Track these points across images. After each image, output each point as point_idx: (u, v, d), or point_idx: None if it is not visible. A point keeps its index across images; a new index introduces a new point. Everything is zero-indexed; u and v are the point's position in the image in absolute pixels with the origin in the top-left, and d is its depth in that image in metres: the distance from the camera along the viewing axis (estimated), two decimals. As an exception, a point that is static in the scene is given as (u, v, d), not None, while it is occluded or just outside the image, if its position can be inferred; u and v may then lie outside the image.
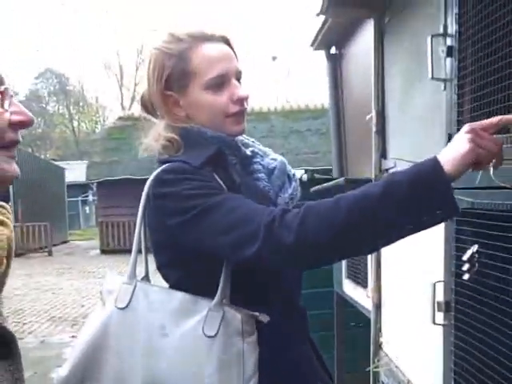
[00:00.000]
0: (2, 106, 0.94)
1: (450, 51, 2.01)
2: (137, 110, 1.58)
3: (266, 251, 1.19)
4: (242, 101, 1.43)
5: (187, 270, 1.39)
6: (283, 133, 16.66)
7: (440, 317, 2.07)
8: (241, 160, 1.48)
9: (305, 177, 4.54)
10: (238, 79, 1.45)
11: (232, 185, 1.37)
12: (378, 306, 2.94)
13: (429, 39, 2.10)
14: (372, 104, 2.86)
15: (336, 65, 7.06)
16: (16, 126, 0.96)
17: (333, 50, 6.91)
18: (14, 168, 0.95)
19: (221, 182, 1.35)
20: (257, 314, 1.33)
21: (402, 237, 1.21)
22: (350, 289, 3.98)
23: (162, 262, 1.45)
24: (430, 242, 2.24)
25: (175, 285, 1.41)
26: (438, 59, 2.10)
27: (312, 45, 6.95)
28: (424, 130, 2.37)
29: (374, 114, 2.83)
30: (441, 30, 2.06)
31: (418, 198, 1.15)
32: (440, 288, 2.07)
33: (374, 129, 2.84)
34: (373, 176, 2.86)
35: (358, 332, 4.10)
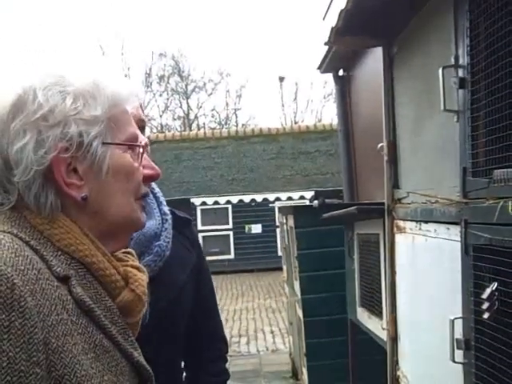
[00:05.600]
0: (140, 161, 0.96)
1: (462, 83, 1.98)
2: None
3: None
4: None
5: None
6: (292, 154, 16.65)
7: (460, 355, 2.01)
8: None
9: (316, 203, 4.51)
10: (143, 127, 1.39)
11: None
12: (394, 339, 2.88)
13: (440, 70, 2.07)
14: (383, 133, 2.82)
15: (345, 87, 7.03)
16: (147, 179, 1.02)
17: (341, 73, 6.90)
18: (144, 217, 1.01)
19: None
20: None
21: None
22: (364, 318, 3.91)
23: None
24: (447, 276, 2.18)
25: None
26: (449, 91, 2.06)
27: (319, 68, 6.95)
28: (437, 161, 2.33)
29: (385, 143, 2.79)
30: (452, 62, 2.03)
31: None
32: (458, 325, 2.01)
33: (385, 158, 2.80)
34: (386, 206, 2.82)
35: (373, 361, 3.99)
